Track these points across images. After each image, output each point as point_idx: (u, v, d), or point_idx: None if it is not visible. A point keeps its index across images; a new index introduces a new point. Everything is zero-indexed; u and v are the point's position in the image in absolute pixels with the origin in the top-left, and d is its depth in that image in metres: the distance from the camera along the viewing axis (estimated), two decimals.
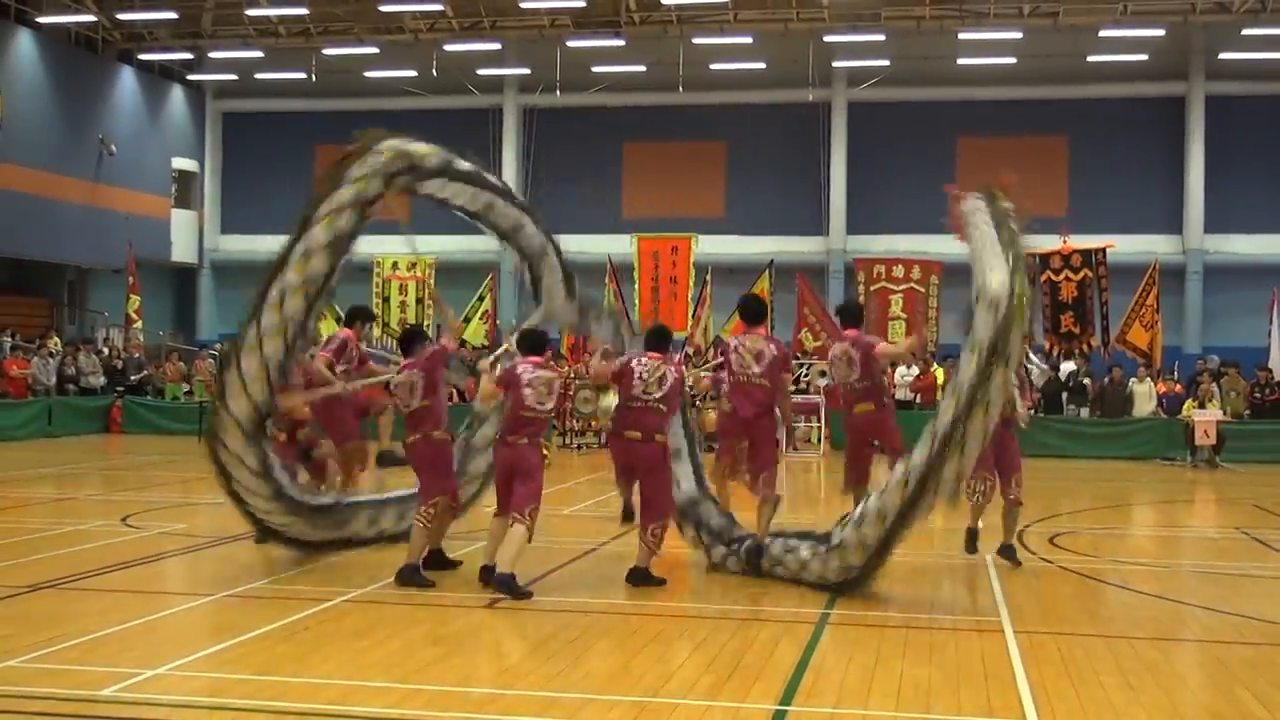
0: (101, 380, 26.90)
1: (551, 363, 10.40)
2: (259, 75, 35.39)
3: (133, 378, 27.29)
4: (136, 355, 28.47)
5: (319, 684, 6.80)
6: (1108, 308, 23.42)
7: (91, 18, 32.08)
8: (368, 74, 34.49)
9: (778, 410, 10.26)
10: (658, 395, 9.63)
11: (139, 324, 29.95)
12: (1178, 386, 23.89)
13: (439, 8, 31.98)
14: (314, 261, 9.53)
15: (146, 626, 8.14)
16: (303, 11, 32.21)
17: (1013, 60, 31.81)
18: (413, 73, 34.17)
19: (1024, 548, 12.07)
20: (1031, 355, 24.31)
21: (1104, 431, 23.29)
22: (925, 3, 31.02)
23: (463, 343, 25.90)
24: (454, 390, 21.34)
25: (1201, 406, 21.87)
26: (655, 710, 6.41)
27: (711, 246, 28.95)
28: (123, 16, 32.66)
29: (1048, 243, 24.42)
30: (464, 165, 10.85)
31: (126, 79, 33.90)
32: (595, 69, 33.46)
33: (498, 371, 9.87)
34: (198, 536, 12.05)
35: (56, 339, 28.52)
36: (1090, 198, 32.10)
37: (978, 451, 8.77)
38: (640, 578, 9.63)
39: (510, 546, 9.07)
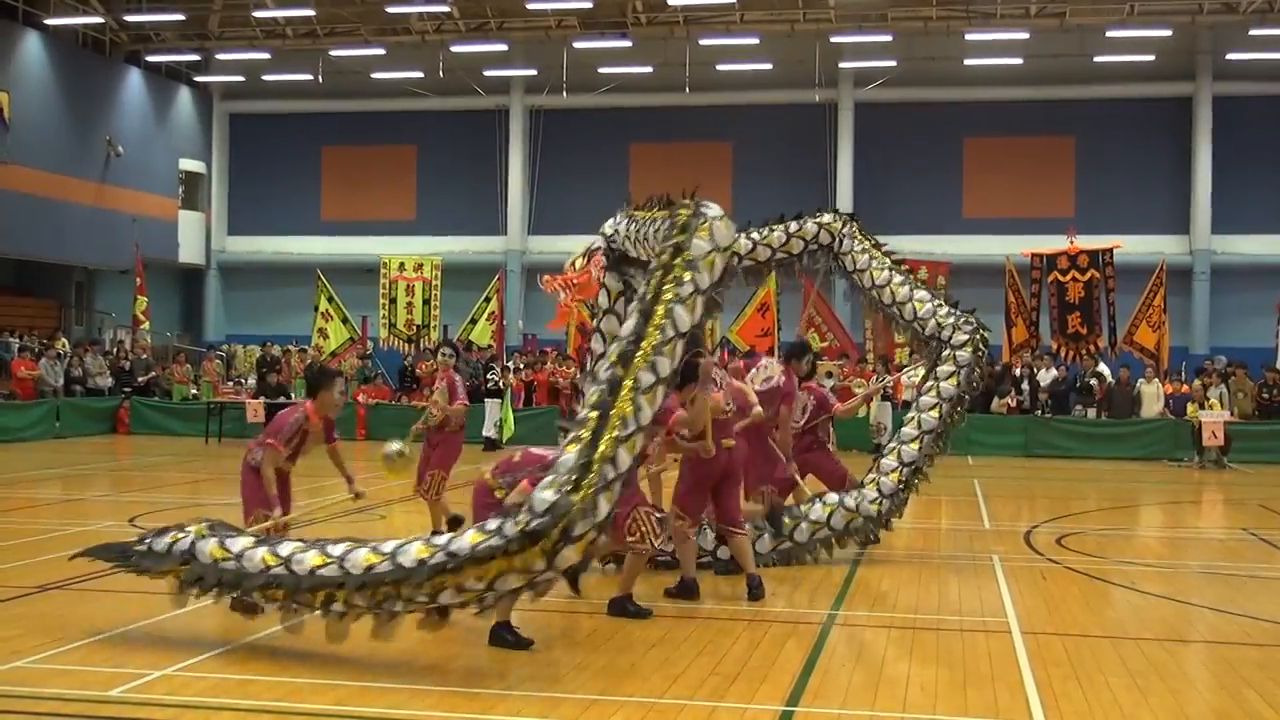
0: (109, 381, 26.94)
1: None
2: (266, 76, 35.45)
3: (140, 379, 27.33)
4: (144, 356, 28.52)
5: (325, 685, 6.81)
6: (1114, 308, 23.37)
7: (99, 19, 32.16)
8: (374, 75, 34.54)
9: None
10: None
11: (146, 325, 30.01)
12: (1184, 387, 23.86)
13: (445, 9, 32.03)
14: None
15: (154, 627, 8.15)
16: (309, 13, 32.26)
17: (1019, 61, 31.78)
18: (419, 74, 34.20)
19: (1031, 548, 12.07)
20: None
21: (1111, 432, 23.26)
22: (932, 3, 31.00)
23: (469, 344, 25.95)
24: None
25: (1201, 407, 21.85)
26: (661, 711, 6.41)
27: None
28: (130, 18, 32.76)
29: (1055, 243, 24.44)
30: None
31: (134, 80, 33.97)
32: (602, 70, 33.48)
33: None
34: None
35: (64, 340, 28.57)
36: (1097, 198, 32.07)
37: None
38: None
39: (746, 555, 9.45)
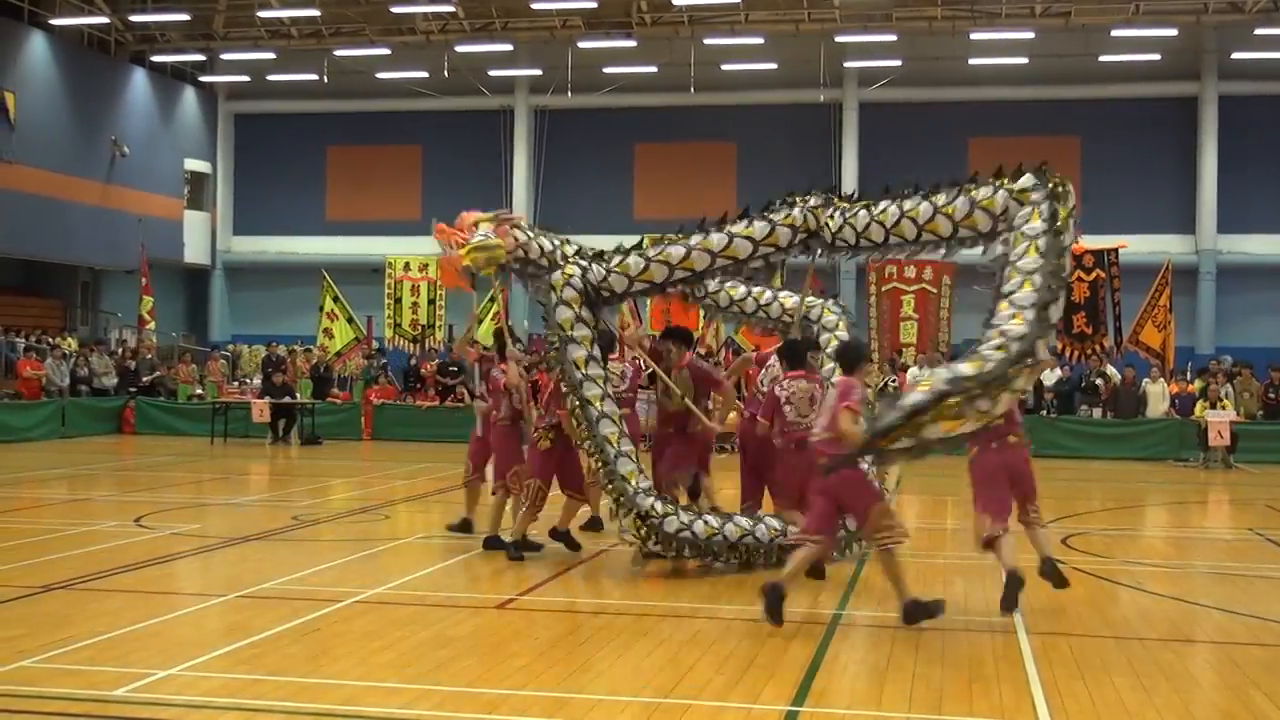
0: (114, 381, 26.99)
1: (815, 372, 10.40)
2: (271, 77, 35.49)
3: (145, 379, 27.36)
4: (149, 356, 28.56)
5: (330, 684, 6.81)
6: (1120, 308, 23.34)
7: (104, 20, 32.21)
8: (379, 75, 34.56)
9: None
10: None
11: (152, 325, 30.05)
12: (1190, 387, 23.82)
13: (450, 9, 32.04)
14: None
15: (159, 627, 8.16)
16: (314, 13, 32.29)
17: (1024, 60, 31.75)
18: (424, 74, 34.23)
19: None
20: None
21: (1117, 432, 23.23)
22: (937, 3, 30.99)
23: (474, 343, 25.96)
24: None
25: (1212, 406, 21.83)
26: (667, 711, 6.40)
27: None
28: (135, 18, 32.81)
29: None
30: None
31: (139, 81, 34.02)
32: (606, 70, 33.48)
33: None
34: (210, 537, 12.08)
35: (70, 340, 28.61)
36: (1102, 198, 31.94)
37: None
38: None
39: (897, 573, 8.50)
